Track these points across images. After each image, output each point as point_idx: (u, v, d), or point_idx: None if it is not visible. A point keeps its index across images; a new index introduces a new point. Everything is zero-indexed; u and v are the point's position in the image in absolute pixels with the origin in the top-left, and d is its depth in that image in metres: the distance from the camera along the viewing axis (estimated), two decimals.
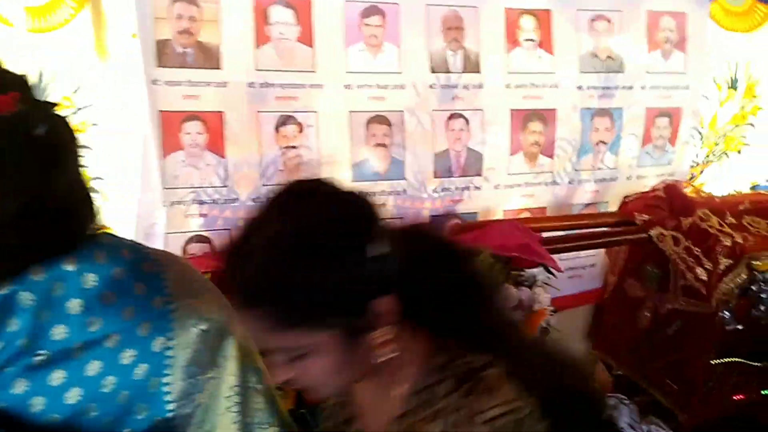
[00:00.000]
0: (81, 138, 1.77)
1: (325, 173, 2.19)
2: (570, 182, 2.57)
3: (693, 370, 2.35)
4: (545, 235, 2.24)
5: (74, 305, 0.77)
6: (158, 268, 0.87)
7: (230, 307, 0.88)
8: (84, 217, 0.84)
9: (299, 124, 2.17)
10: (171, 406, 0.83)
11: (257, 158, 2.14)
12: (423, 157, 2.32)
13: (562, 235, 2.30)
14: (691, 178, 2.82)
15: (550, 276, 2.11)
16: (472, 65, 2.33)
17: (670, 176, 2.73)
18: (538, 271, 2.10)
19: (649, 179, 2.69)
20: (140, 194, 1.98)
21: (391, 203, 2.31)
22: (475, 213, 2.43)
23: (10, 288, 0.74)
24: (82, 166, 0.86)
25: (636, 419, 2.51)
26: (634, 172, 2.68)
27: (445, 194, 2.38)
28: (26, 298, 0.75)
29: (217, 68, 2.05)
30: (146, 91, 1.96)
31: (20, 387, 0.74)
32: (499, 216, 2.46)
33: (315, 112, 2.17)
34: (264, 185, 2.15)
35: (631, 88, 2.56)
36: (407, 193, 2.32)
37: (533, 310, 2.02)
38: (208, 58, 2.04)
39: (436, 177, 2.35)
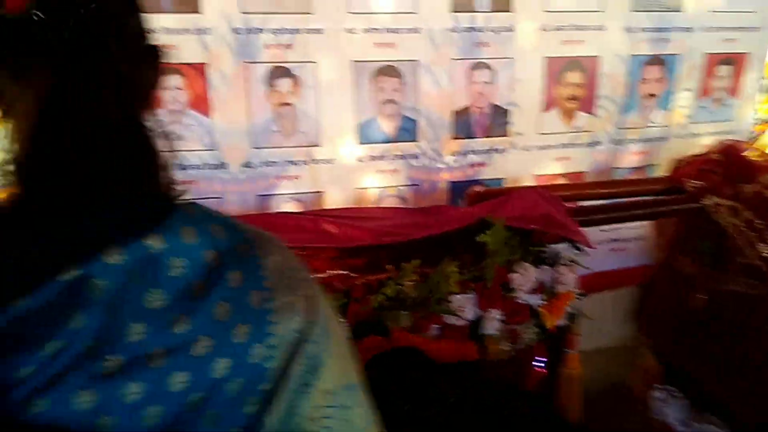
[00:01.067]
0: None
1: (326, 137, 1.96)
2: (613, 143, 2.22)
3: (756, 362, 2.02)
4: (582, 204, 1.92)
5: (155, 298, 0.59)
6: (255, 252, 0.67)
7: (329, 304, 0.72)
8: (162, 173, 0.65)
9: (294, 78, 1.86)
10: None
11: (246, 118, 1.85)
12: (439, 115, 1.99)
13: (599, 205, 1.97)
14: (753, 138, 2.44)
15: (579, 252, 1.79)
16: (501, 3, 1.97)
17: (728, 135, 2.36)
18: (563, 247, 1.78)
19: (705, 138, 2.32)
20: None
21: (403, 169, 2.00)
22: (501, 179, 2.12)
23: (77, 272, 0.56)
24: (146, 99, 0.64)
25: (689, 416, 2.21)
26: (688, 130, 2.31)
27: (464, 159, 2.06)
28: (97, 286, 0.57)
29: (196, 12, 1.75)
30: None
31: (85, 401, 0.56)
32: (530, 183, 2.14)
33: (313, 62, 1.86)
34: (255, 148, 1.87)
35: (689, 30, 2.17)
36: (420, 158, 2.01)
37: (555, 292, 1.71)
38: (185, 0, 1.75)
39: (454, 139, 2.03)
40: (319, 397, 0.68)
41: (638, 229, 2.41)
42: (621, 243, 2.43)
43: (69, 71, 0.59)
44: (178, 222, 0.62)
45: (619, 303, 2.56)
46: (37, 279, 0.56)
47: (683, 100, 2.25)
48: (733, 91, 2.32)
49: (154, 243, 0.59)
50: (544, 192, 1.84)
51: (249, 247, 0.67)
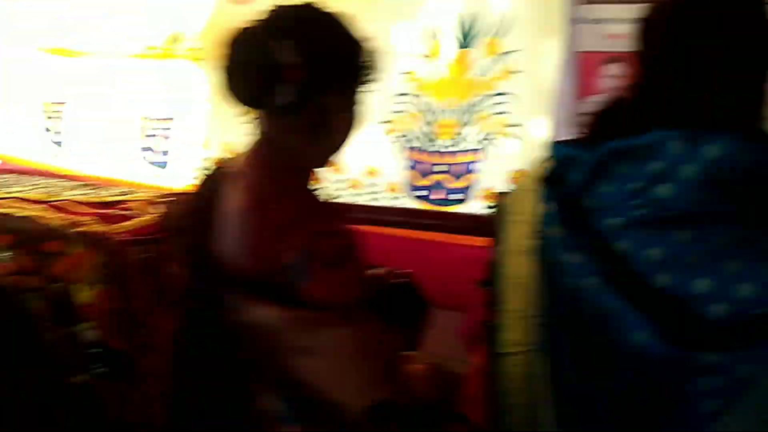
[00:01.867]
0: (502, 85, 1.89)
1: None
2: None
3: None
4: None
5: (703, 174, 0.75)
6: None
7: None
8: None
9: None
10: None
11: None
12: None
13: None
14: None
15: None
16: None
17: None
18: None
19: None
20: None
21: None
22: None
23: (660, 135, 0.77)
24: None
25: None
26: None
27: None
28: (677, 146, 0.75)
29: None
30: (566, 32, 1.83)
31: (656, 253, 0.76)
32: None
33: None
34: None
35: None
36: None
37: None
38: None
39: None
40: None
41: None
42: None
43: None
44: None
45: None
46: (627, 132, 0.79)
47: None
48: None
49: (718, 137, 0.75)
50: None
51: None
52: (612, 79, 1.84)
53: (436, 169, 2.02)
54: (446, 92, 1.98)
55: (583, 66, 1.84)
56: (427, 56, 2.01)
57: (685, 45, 0.81)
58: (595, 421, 0.79)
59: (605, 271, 0.77)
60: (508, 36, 1.91)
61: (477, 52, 1.96)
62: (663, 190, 0.75)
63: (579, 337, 0.80)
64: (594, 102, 0.85)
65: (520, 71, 1.90)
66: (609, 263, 0.77)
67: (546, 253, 0.83)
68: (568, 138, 0.90)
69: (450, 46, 1.98)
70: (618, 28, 1.81)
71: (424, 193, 2.06)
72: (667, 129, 0.77)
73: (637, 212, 0.76)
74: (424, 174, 2.03)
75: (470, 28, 1.96)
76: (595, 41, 1.83)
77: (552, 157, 0.87)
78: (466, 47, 1.97)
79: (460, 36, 1.97)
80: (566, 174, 0.83)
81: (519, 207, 0.89)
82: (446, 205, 2.02)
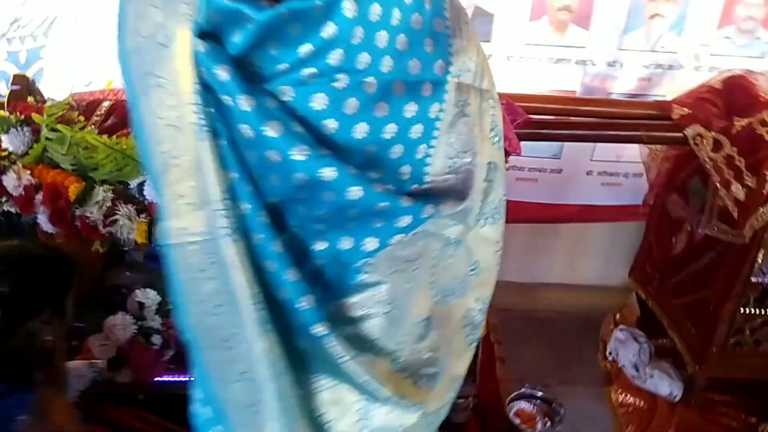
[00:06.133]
0: None
1: None
2: (610, 64, 2.07)
3: (715, 315, 1.87)
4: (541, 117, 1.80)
5: (381, 38, 0.75)
6: (447, 31, 0.82)
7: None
8: None
9: None
10: (427, 179, 0.85)
11: None
12: None
13: (562, 121, 1.83)
14: None
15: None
16: None
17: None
18: None
19: None
20: None
21: None
22: None
23: None
24: None
25: (644, 360, 2.10)
26: (707, 61, 2.09)
27: None
28: (349, 8, 0.72)
29: None
30: None
31: (320, 103, 0.75)
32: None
33: None
34: None
35: None
36: None
37: None
38: None
39: None
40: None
41: (637, 164, 2.23)
42: (616, 177, 2.27)
43: None
44: None
45: (619, 241, 2.43)
46: None
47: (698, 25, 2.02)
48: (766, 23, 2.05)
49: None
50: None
51: (444, 23, 0.81)
52: None
53: None
54: None
55: None
56: None
57: None
58: None
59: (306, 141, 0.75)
60: None
61: None
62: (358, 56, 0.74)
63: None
64: None
65: None
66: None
67: (228, 127, 0.74)
68: None
69: None
70: None
71: None
72: None
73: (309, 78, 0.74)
74: None
75: None
76: None
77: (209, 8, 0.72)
78: None
79: None
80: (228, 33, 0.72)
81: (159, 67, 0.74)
82: None
